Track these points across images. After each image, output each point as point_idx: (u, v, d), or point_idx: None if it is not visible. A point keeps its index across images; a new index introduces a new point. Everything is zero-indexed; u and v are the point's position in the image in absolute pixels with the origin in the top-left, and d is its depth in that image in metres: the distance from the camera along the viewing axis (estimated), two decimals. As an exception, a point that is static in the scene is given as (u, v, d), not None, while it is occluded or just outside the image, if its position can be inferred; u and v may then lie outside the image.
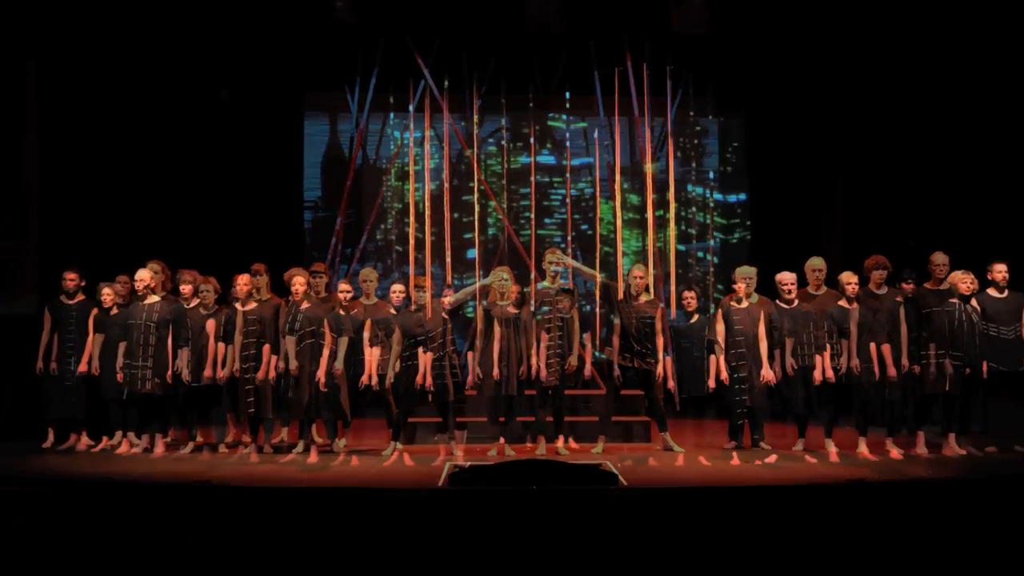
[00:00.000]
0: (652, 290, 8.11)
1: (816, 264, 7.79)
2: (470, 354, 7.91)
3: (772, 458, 7.40)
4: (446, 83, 9.10)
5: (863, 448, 7.39)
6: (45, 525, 5.62)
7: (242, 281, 7.64)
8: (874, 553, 5.28)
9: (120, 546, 5.34)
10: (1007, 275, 7.73)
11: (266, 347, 7.53)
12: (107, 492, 6.24)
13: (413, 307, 7.57)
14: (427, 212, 8.22)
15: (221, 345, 7.60)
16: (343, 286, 7.70)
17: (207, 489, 6.19)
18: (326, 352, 7.39)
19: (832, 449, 7.35)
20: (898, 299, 7.52)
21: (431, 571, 5.19)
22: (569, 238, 9.35)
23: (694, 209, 11.35)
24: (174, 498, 6.04)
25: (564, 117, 11.18)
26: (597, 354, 8.34)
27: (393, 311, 7.59)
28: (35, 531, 5.50)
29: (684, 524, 5.59)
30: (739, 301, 7.69)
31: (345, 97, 10.68)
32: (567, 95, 10.59)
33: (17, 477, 6.74)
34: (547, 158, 11.51)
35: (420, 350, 7.45)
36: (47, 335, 8.23)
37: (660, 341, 7.77)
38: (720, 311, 7.72)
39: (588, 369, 7.96)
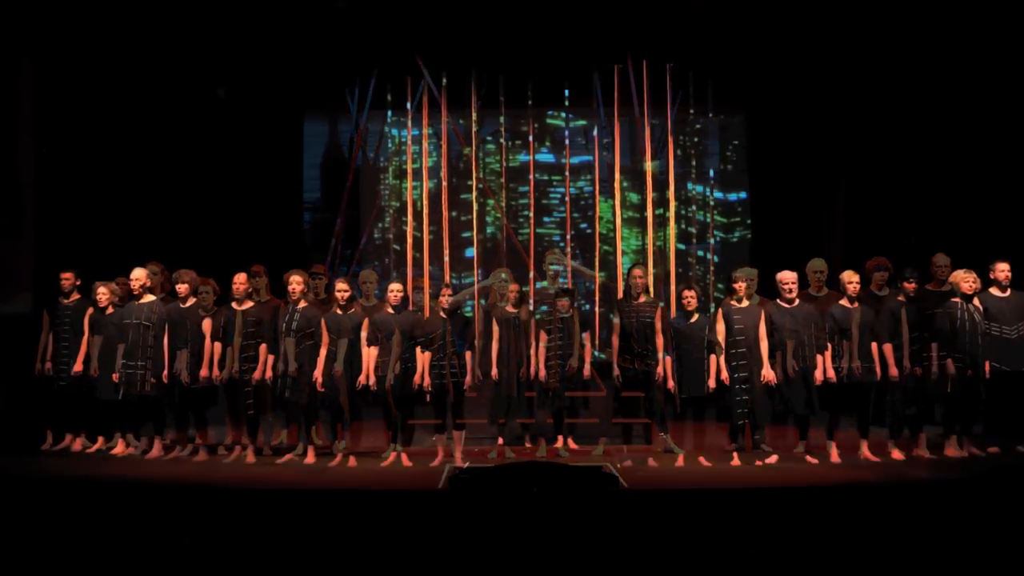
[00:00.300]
0: (652, 290, 8.06)
1: (817, 266, 7.75)
2: (468, 354, 7.87)
3: (773, 459, 7.37)
4: (444, 81, 9.05)
5: (864, 449, 7.36)
6: (42, 526, 5.59)
7: (239, 280, 7.58)
8: (876, 555, 5.24)
9: (118, 547, 5.32)
10: (1009, 274, 7.70)
11: (263, 347, 7.48)
12: (104, 493, 6.22)
13: (412, 308, 7.52)
14: (425, 211, 8.18)
15: (218, 345, 7.54)
16: (340, 285, 7.58)
17: (204, 491, 6.17)
18: (323, 353, 7.35)
19: (833, 450, 7.31)
20: (900, 299, 7.48)
21: (430, 574, 5.16)
22: (568, 237, 9.32)
23: (694, 208, 11.30)
24: (171, 499, 6.01)
25: (563, 115, 11.14)
26: (597, 354, 8.29)
27: (391, 311, 7.54)
28: (33, 532, 5.47)
29: (684, 526, 5.56)
30: (739, 301, 7.64)
31: (345, 98, 10.64)
32: (566, 93, 10.55)
33: (15, 478, 6.71)
34: (546, 156, 11.46)
35: (419, 350, 7.40)
36: (46, 336, 8.20)
37: (660, 341, 7.72)
38: (720, 311, 7.67)
39: (588, 369, 7.92)
